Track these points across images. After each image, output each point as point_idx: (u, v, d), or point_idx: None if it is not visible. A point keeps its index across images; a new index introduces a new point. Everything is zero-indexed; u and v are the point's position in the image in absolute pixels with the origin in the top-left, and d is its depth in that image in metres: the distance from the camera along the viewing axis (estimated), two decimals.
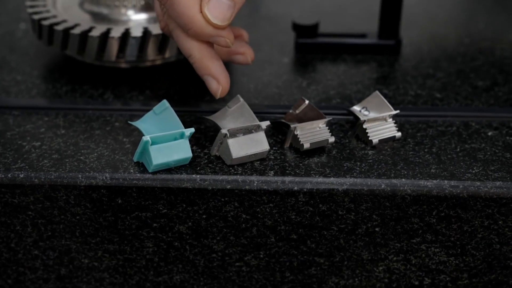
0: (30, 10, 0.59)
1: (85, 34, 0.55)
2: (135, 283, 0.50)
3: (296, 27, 0.61)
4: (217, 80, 0.49)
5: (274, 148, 0.49)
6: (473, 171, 0.47)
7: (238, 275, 0.50)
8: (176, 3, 0.46)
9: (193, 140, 0.50)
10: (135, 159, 0.47)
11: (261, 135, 0.48)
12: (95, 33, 0.55)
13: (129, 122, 0.49)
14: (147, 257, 0.49)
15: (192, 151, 0.48)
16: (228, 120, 0.49)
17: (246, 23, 0.67)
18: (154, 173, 0.46)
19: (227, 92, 0.49)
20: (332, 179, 0.46)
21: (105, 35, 0.55)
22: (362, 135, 0.50)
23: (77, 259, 0.49)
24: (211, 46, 0.49)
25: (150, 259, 0.49)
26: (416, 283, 0.49)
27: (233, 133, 0.47)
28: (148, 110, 0.48)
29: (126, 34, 0.55)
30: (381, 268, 0.49)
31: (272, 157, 0.48)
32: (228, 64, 0.61)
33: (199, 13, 0.46)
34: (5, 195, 0.47)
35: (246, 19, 0.68)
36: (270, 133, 0.51)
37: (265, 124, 0.48)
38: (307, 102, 0.51)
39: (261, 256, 0.49)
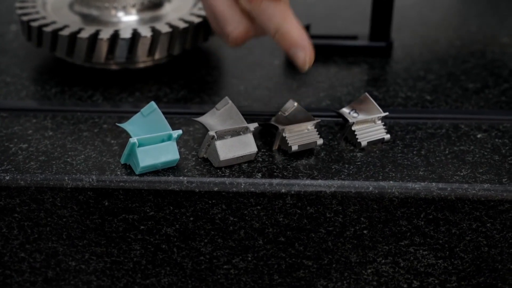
0: (20, 12, 0.59)
1: (74, 36, 0.55)
2: (123, 285, 0.50)
3: None
4: (304, 50, 0.48)
5: (262, 150, 0.49)
6: (462, 174, 0.47)
7: (226, 278, 0.49)
8: None
9: (180, 142, 0.50)
10: (122, 161, 0.47)
11: (249, 137, 0.48)
12: (84, 34, 0.55)
13: (116, 124, 0.49)
14: (135, 260, 0.49)
15: (180, 153, 0.48)
16: (216, 122, 0.49)
17: None
18: (141, 175, 0.46)
19: (312, 61, 0.48)
20: (320, 181, 0.46)
21: (94, 37, 0.55)
22: (351, 137, 0.50)
23: (64, 262, 0.49)
24: (293, 17, 0.48)
25: (138, 261, 0.49)
26: (405, 286, 0.49)
27: (221, 135, 0.47)
28: (137, 112, 0.48)
29: (115, 35, 0.55)
30: (369, 271, 0.49)
31: (260, 159, 0.48)
32: (219, 66, 0.61)
33: None
34: None
35: None
36: (258, 135, 0.50)
37: (253, 126, 0.48)
38: (295, 104, 0.51)
39: (249, 258, 0.49)
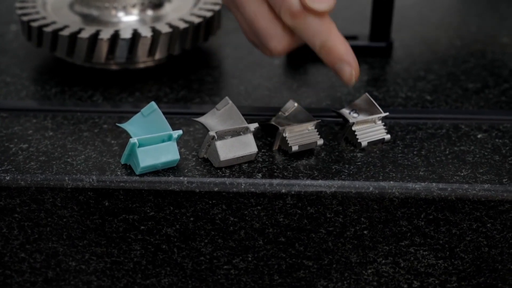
0: (20, 12, 0.59)
1: (74, 36, 0.55)
2: (123, 286, 0.50)
3: None
4: (350, 65, 0.47)
5: (262, 150, 0.49)
6: (462, 174, 0.47)
7: (226, 278, 0.49)
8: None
9: (181, 142, 0.50)
10: (122, 161, 0.47)
11: (249, 138, 0.48)
12: (84, 34, 0.55)
13: (116, 124, 0.49)
14: (135, 260, 0.49)
15: (180, 153, 0.48)
16: (217, 122, 0.49)
17: (238, 25, 0.66)
18: (141, 175, 0.46)
19: (358, 76, 0.48)
20: (320, 181, 0.46)
21: (94, 37, 0.55)
22: (351, 138, 0.50)
23: (64, 262, 0.49)
24: (338, 31, 0.48)
25: (138, 262, 0.49)
26: (405, 286, 0.49)
27: (221, 135, 0.47)
28: (137, 112, 0.48)
29: (115, 35, 0.55)
30: (369, 271, 0.49)
31: (261, 160, 0.48)
32: (220, 66, 0.61)
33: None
34: None
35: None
36: (259, 136, 0.50)
37: (253, 126, 0.48)
38: (296, 104, 0.51)
39: (250, 259, 0.49)
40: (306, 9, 0.46)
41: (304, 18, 0.47)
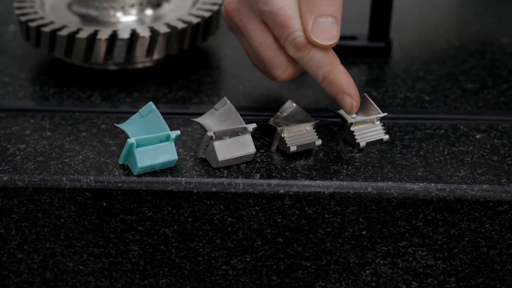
0: (18, 12, 0.58)
1: (72, 36, 0.55)
2: (121, 286, 0.50)
3: None
4: (352, 97, 0.48)
5: (260, 150, 0.49)
6: (460, 174, 0.47)
7: (224, 279, 0.49)
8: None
9: (179, 142, 0.50)
10: (120, 161, 0.47)
11: (248, 138, 0.48)
12: (82, 35, 0.55)
13: (115, 124, 0.49)
14: (133, 261, 0.49)
15: (178, 153, 0.48)
16: (215, 122, 0.48)
17: None
18: (139, 175, 0.46)
19: (359, 106, 0.49)
20: (318, 182, 0.46)
21: (93, 37, 0.55)
22: (349, 138, 0.50)
23: (62, 263, 0.49)
24: (340, 64, 0.48)
25: (136, 262, 0.49)
26: (404, 286, 0.49)
27: (219, 136, 0.47)
28: (135, 112, 0.48)
29: (113, 36, 0.55)
30: (368, 271, 0.49)
31: (259, 160, 0.48)
32: (218, 66, 0.61)
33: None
34: None
35: None
36: (257, 136, 0.50)
37: (251, 126, 0.48)
38: (294, 105, 0.51)
39: (248, 259, 0.49)
40: (311, 43, 0.47)
41: (309, 51, 0.47)
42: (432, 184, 0.46)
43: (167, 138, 0.46)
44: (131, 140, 0.45)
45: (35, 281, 0.50)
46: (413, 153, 0.49)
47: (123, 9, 0.58)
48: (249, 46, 0.51)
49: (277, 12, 0.47)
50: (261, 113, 0.53)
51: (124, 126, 0.48)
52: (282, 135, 0.48)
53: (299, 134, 0.49)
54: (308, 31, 0.47)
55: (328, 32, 0.47)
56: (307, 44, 0.47)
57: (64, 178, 0.46)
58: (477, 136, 0.51)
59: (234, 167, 0.47)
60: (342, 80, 0.48)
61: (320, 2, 0.47)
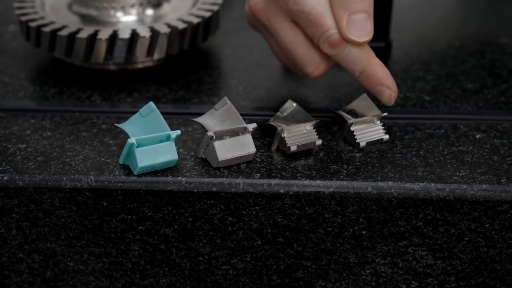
0: (18, 12, 0.58)
1: (72, 36, 0.55)
2: (121, 286, 0.50)
3: None
4: (390, 88, 0.48)
5: (261, 150, 0.49)
6: (460, 174, 0.47)
7: (224, 278, 0.49)
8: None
9: (179, 142, 0.50)
10: (120, 161, 0.47)
11: (248, 138, 0.48)
12: (83, 34, 0.55)
13: (115, 124, 0.49)
14: (133, 260, 0.49)
15: (178, 153, 0.48)
16: (215, 122, 0.49)
17: (237, 25, 0.67)
18: (139, 175, 0.46)
19: (397, 97, 0.49)
20: (318, 181, 0.46)
21: (93, 37, 0.55)
22: (349, 138, 0.50)
23: (62, 262, 0.49)
24: (376, 57, 0.48)
25: (136, 262, 0.49)
26: (404, 286, 0.49)
27: (220, 136, 0.47)
28: (136, 112, 0.48)
29: (114, 35, 0.55)
30: (368, 271, 0.49)
31: (259, 160, 0.48)
32: (218, 66, 0.61)
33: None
34: None
35: (237, 21, 0.67)
36: (257, 136, 0.50)
37: (251, 126, 0.48)
38: (294, 104, 0.51)
39: (248, 259, 0.49)
40: (347, 40, 0.47)
41: (344, 48, 0.47)
42: (432, 184, 0.46)
43: (168, 138, 0.46)
44: (132, 140, 0.45)
45: (35, 280, 0.50)
46: (413, 153, 0.49)
47: (123, 9, 0.58)
48: (278, 46, 0.51)
49: (309, 11, 0.47)
50: (261, 113, 0.53)
51: (125, 126, 0.48)
52: (282, 135, 0.48)
53: (299, 134, 0.49)
54: (343, 28, 0.47)
55: (362, 28, 0.47)
56: (342, 41, 0.47)
57: (64, 178, 0.46)
58: (477, 136, 0.51)
59: (234, 167, 0.47)
60: (379, 73, 0.48)
61: None
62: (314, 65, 0.50)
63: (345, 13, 0.47)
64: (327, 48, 0.48)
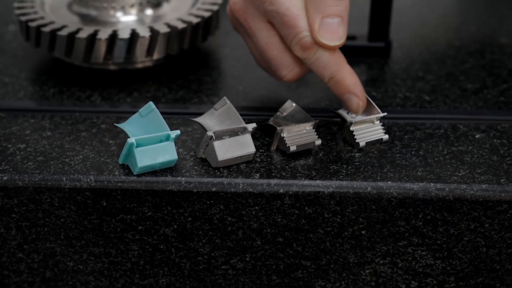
0: (18, 12, 0.58)
1: (72, 36, 0.55)
2: (121, 286, 0.50)
3: None
4: (358, 97, 0.48)
5: (260, 150, 0.49)
6: (460, 174, 0.47)
7: (224, 278, 0.49)
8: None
9: (179, 142, 0.50)
10: (120, 161, 0.47)
11: (247, 138, 0.48)
12: (82, 34, 0.55)
13: (115, 124, 0.49)
14: (133, 260, 0.49)
15: (178, 153, 0.48)
16: (215, 122, 0.49)
17: None
18: (139, 175, 0.46)
19: (365, 106, 0.49)
20: (318, 181, 0.46)
21: (93, 37, 0.55)
22: (349, 138, 0.50)
23: (62, 262, 0.49)
24: (347, 64, 0.49)
25: (136, 262, 0.49)
26: (403, 286, 0.49)
27: (219, 136, 0.47)
28: (135, 112, 0.48)
29: (113, 35, 0.55)
30: (367, 271, 0.49)
31: (258, 160, 0.48)
32: (218, 66, 0.61)
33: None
34: None
35: None
36: (257, 136, 0.50)
37: (251, 126, 0.48)
38: (294, 104, 0.51)
39: (247, 259, 0.49)
40: (318, 43, 0.47)
41: (315, 51, 0.47)
42: (432, 184, 0.46)
43: (167, 138, 0.46)
44: (131, 140, 0.45)
45: (35, 280, 0.50)
46: (413, 153, 0.49)
47: (123, 9, 0.58)
48: (255, 46, 0.51)
49: (284, 12, 0.47)
50: (261, 113, 0.53)
51: (124, 126, 0.48)
52: (282, 135, 0.48)
53: (299, 134, 0.49)
54: (314, 31, 0.47)
55: (334, 32, 0.47)
56: (313, 44, 0.47)
57: (64, 178, 0.46)
58: (477, 136, 0.51)
59: (234, 167, 0.47)
60: (348, 80, 0.48)
61: (327, 2, 0.47)
62: (287, 68, 0.50)
63: (318, 16, 0.47)
64: (299, 51, 0.48)
